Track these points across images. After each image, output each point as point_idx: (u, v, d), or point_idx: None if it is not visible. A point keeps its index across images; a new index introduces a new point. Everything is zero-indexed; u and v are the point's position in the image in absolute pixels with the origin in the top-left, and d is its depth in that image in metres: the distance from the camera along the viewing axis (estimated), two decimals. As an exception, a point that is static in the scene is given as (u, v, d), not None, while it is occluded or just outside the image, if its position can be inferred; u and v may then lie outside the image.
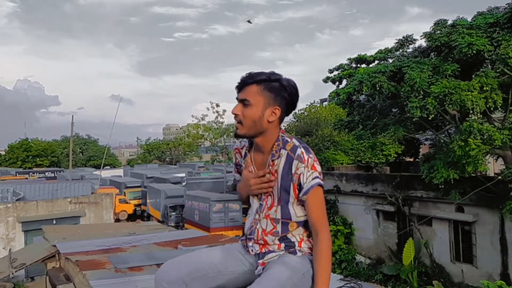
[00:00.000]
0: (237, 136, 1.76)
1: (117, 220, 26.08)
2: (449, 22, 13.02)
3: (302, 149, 1.69)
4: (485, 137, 10.35)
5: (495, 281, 9.18)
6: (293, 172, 1.68)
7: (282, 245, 1.77)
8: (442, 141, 13.95)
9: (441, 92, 10.73)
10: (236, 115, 1.70)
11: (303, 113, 25.30)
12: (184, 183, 31.04)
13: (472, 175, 11.42)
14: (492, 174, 13.98)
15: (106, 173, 42.25)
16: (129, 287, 3.52)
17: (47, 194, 19.19)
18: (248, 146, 1.86)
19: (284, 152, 1.72)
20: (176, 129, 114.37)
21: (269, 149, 1.75)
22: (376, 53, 18.43)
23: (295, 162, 1.68)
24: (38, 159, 54.69)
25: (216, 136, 36.41)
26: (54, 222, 16.00)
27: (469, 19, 12.73)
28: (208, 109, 34.65)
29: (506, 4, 11.87)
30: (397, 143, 16.82)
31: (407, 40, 15.54)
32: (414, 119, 12.60)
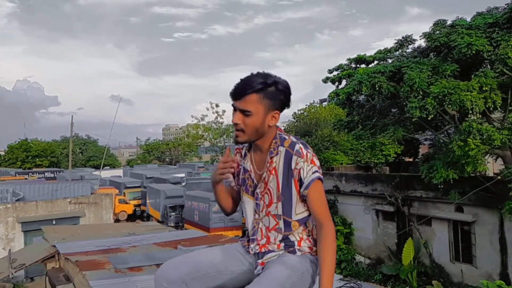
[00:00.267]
0: (238, 143, 1.78)
1: (117, 220, 26.07)
2: (449, 22, 13.04)
3: (301, 145, 1.71)
4: (484, 137, 10.36)
5: (495, 281, 9.19)
6: (293, 167, 1.70)
7: (282, 244, 1.77)
8: (441, 141, 13.96)
9: (441, 92, 10.74)
10: (236, 124, 1.70)
11: (303, 113, 25.31)
12: (183, 183, 31.04)
13: (472, 175, 11.43)
14: (491, 174, 14.00)
15: (106, 173, 42.24)
16: (128, 287, 3.53)
17: (47, 195, 19.19)
18: (247, 146, 1.87)
19: (282, 149, 1.73)
20: (176, 129, 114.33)
21: (267, 148, 1.77)
22: (375, 54, 18.44)
23: (294, 158, 1.69)
24: (37, 159, 54.69)
25: (215, 137, 36.42)
26: (54, 222, 15.99)
27: (469, 20, 12.75)
28: (207, 109, 34.72)
29: (505, 5, 11.89)
30: (396, 143, 16.84)
31: (406, 40, 15.56)
32: (413, 119, 12.62)
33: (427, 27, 14.01)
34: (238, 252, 1.88)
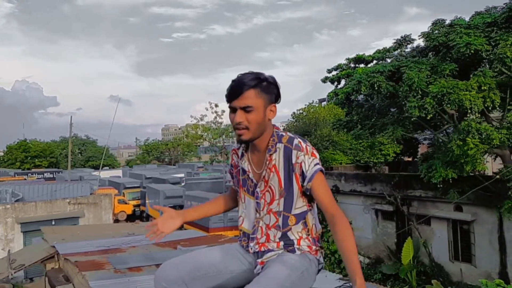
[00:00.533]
0: (242, 142, 1.76)
1: (116, 220, 26.06)
2: (447, 22, 13.06)
3: (299, 139, 1.73)
4: (483, 136, 10.37)
5: (494, 280, 9.19)
6: (293, 162, 1.70)
7: (281, 243, 1.77)
8: (440, 140, 13.98)
9: (439, 91, 10.75)
10: (239, 123, 1.69)
11: (302, 113, 25.32)
12: (183, 184, 31.03)
13: (471, 174, 11.45)
14: (490, 173, 14.02)
15: (105, 173, 42.21)
16: (128, 288, 3.53)
17: (46, 195, 19.17)
18: (244, 146, 1.87)
19: (280, 146, 1.74)
20: (175, 130, 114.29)
21: (265, 146, 1.77)
22: (374, 53, 18.48)
23: (294, 152, 1.70)
24: (36, 160, 54.59)
25: (215, 137, 36.40)
26: (53, 223, 15.99)
27: (467, 19, 12.77)
28: (207, 110, 34.67)
29: (504, 4, 11.91)
30: (395, 142, 16.82)
31: (405, 40, 15.58)
32: (412, 119, 12.63)
33: (425, 27, 14.07)
34: (237, 252, 1.89)
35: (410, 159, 21.73)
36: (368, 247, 15.89)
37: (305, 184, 1.71)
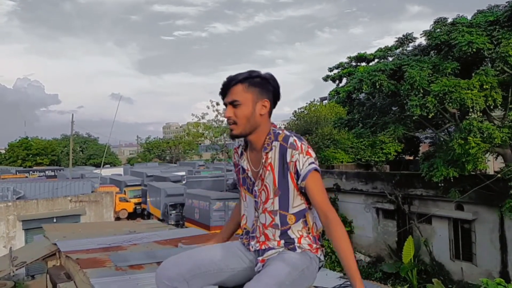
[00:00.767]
0: (233, 137, 1.79)
1: (117, 218, 26.10)
2: (449, 20, 13.01)
3: (295, 137, 1.72)
4: (484, 135, 10.35)
5: (495, 279, 9.18)
6: (288, 160, 1.70)
7: (282, 241, 1.77)
8: (442, 139, 13.96)
9: (441, 90, 10.73)
10: (229, 118, 1.73)
11: (303, 111, 25.29)
12: (184, 182, 31.05)
13: (472, 173, 11.43)
14: (491, 172, 14.01)
15: (106, 171, 42.26)
16: (129, 285, 3.54)
17: (48, 193, 19.22)
18: (244, 145, 1.88)
19: (276, 144, 1.74)
20: (176, 128, 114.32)
21: (262, 145, 1.77)
22: (376, 52, 18.43)
23: (289, 151, 1.69)
24: (38, 157, 54.68)
25: (216, 135, 36.37)
26: (55, 220, 16.03)
27: (469, 18, 12.73)
28: (208, 108, 34.59)
29: (506, 3, 11.87)
30: (397, 141, 16.84)
31: (407, 38, 15.54)
32: (414, 118, 12.61)
33: (427, 25, 14.00)
34: (238, 250, 1.89)
35: (411, 158, 21.71)
36: (369, 245, 15.89)
37: (299, 182, 1.71)
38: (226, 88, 1.73)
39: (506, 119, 12.01)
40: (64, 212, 17.15)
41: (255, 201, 1.82)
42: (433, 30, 12.81)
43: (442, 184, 12.00)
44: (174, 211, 25.49)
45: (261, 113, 1.73)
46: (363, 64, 19.46)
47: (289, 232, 1.77)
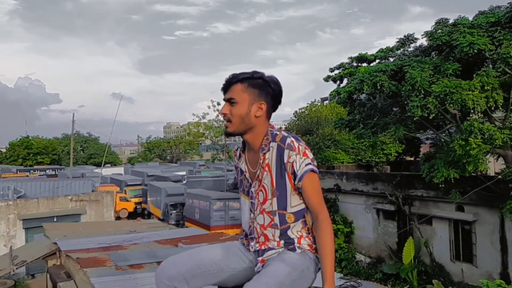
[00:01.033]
0: (227, 134, 1.81)
1: (118, 218, 26.12)
2: (451, 21, 13.00)
3: (292, 138, 1.73)
4: (485, 136, 10.33)
5: (495, 280, 9.17)
6: (285, 161, 1.71)
7: (282, 242, 1.78)
8: (442, 140, 13.94)
9: (442, 91, 10.71)
10: (224, 115, 1.75)
11: (304, 112, 25.29)
12: (184, 182, 31.06)
13: (473, 174, 11.41)
14: (492, 174, 13.97)
15: (107, 171, 42.31)
16: (129, 285, 3.54)
17: (48, 192, 19.23)
18: (242, 146, 1.90)
19: (274, 145, 1.74)
20: (177, 128, 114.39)
21: (259, 146, 1.78)
22: (377, 52, 18.41)
23: (286, 151, 1.70)
24: (39, 156, 54.73)
25: (216, 135, 36.38)
26: (55, 219, 16.05)
27: (471, 18, 12.71)
28: (209, 108, 34.73)
29: (508, 4, 11.85)
30: (397, 142, 16.78)
31: (408, 39, 15.52)
32: (414, 118, 12.57)
33: (429, 26, 13.98)
34: (238, 250, 1.89)
35: (412, 158, 21.67)
36: (369, 246, 15.88)
37: (296, 183, 1.72)
38: (228, 85, 1.75)
39: (507, 120, 12.00)
40: (64, 211, 17.16)
41: (251, 202, 1.82)
42: (434, 31, 12.79)
43: (443, 185, 11.98)
44: (174, 211, 25.49)
45: (256, 115, 1.74)
46: (364, 64, 19.44)
47: (289, 232, 1.78)
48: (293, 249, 1.76)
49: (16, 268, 6.79)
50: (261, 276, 1.65)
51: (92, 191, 20.08)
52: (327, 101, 29.57)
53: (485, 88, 10.69)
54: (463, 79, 11.37)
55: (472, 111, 11.15)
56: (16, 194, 18.27)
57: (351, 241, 16.24)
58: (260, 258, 1.79)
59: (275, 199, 1.75)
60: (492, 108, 11.61)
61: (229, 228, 18.84)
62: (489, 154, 12.14)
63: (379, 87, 12.57)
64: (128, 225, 8.65)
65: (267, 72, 1.80)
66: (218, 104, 34.20)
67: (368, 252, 15.81)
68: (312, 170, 1.70)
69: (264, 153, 1.75)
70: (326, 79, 21.64)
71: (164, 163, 60.29)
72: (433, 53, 13.54)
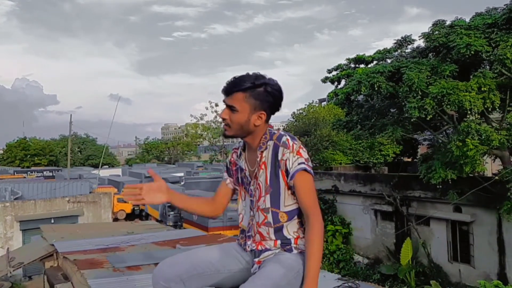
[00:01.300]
0: (225, 136, 1.84)
1: (116, 219, 26.06)
2: (448, 22, 13.04)
3: (287, 137, 1.75)
4: (482, 137, 10.37)
5: (492, 281, 9.21)
6: (279, 158, 1.72)
7: (278, 242, 1.78)
8: (440, 141, 13.98)
9: (439, 92, 10.75)
10: (224, 119, 1.77)
11: (302, 113, 25.32)
12: (182, 183, 31.03)
13: (470, 175, 11.44)
14: (489, 175, 14.02)
15: (105, 172, 42.18)
16: (127, 286, 3.53)
17: (45, 193, 19.17)
18: (242, 145, 1.91)
19: (271, 143, 1.77)
20: (175, 129, 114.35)
21: (257, 145, 1.81)
22: (374, 54, 18.47)
23: (280, 149, 1.72)
24: (36, 158, 54.60)
25: (214, 136, 36.43)
26: (52, 221, 15.99)
27: (468, 20, 12.76)
28: (207, 109, 34.86)
29: (504, 5, 11.90)
30: (395, 143, 16.88)
31: (405, 40, 15.57)
32: (412, 120, 12.61)
33: (426, 27, 14.04)
34: (235, 251, 1.90)
35: (409, 159, 21.74)
36: (367, 247, 15.89)
37: (288, 181, 1.72)
38: (229, 91, 1.74)
39: (504, 121, 12.04)
40: (62, 213, 17.10)
41: (251, 200, 1.84)
42: (431, 32, 12.84)
43: (440, 186, 12.01)
44: (172, 212, 25.44)
45: (256, 124, 1.75)
46: (362, 66, 19.49)
47: (285, 232, 1.78)
48: (290, 250, 1.77)
49: (13, 270, 6.76)
50: (257, 277, 1.66)
51: (90, 192, 20.03)
52: (325, 102, 29.63)
53: (482, 89, 10.73)
54: (460, 80, 11.40)
55: (469, 112, 11.19)
56: (13, 196, 18.21)
57: (349, 242, 16.25)
58: (256, 259, 1.80)
59: (268, 196, 1.76)
60: (489, 109, 11.65)
61: (227, 229, 18.80)
62: (486, 155, 12.19)
63: (376, 88, 12.60)
64: (125, 227, 8.63)
65: (266, 74, 1.79)
66: (216, 105, 34.31)
67: (366, 253, 15.83)
68: (305, 170, 1.70)
69: (262, 151, 1.78)
70: (324, 80, 21.70)
71: (162, 164, 60.20)
72: (430, 54, 13.58)
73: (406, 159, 21.77)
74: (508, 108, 11.93)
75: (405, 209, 14.39)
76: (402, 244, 13.53)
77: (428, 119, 11.72)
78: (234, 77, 1.75)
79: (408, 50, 15.34)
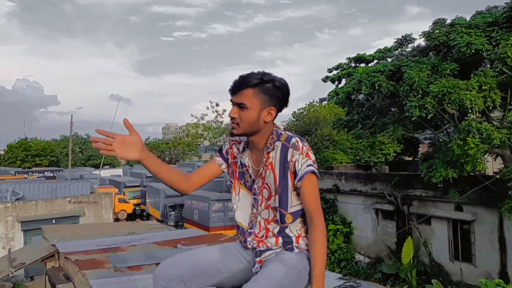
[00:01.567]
0: (233, 135, 1.82)
1: (117, 219, 26.08)
2: (448, 21, 13.02)
3: (297, 138, 1.75)
4: (483, 136, 10.36)
5: (494, 279, 9.19)
6: (288, 160, 1.72)
7: (280, 240, 1.79)
8: (441, 140, 13.97)
9: (440, 91, 10.74)
10: (233, 118, 1.74)
11: (302, 112, 25.33)
12: (183, 183, 30.98)
13: (471, 174, 11.43)
14: (490, 173, 14.01)
15: (106, 172, 42.21)
16: (128, 286, 3.54)
17: (47, 194, 19.19)
18: (246, 141, 1.88)
19: (278, 144, 1.76)
20: (176, 129, 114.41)
21: (264, 145, 1.79)
22: (375, 53, 18.43)
23: (290, 150, 1.72)
24: (37, 158, 54.64)
25: (215, 136, 36.40)
26: (54, 221, 16.01)
27: (468, 19, 12.74)
28: (207, 109, 34.78)
29: (505, 4, 11.88)
30: (396, 142, 16.82)
31: (406, 39, 15.54)
32: (413, 118, 12.61)
33: (426, 26, 14.02)
34: (236, 251, 1.90)
35: (410, 158, 21.71)
36: (368, 246, 15.89)
37: (295, 183, 1.73)
38: (237, 89, 1.72)
39: (505, 120, 12.02)
40: (63, 213, 17.12)
41: (254, 198, 1.83)
42: (432, 31, 12.82)
43: (441, 185, 12.00)
44: (173, 212, 25.48)
45: (266, 120, 1.74)
46: (362, 65, 19.45)
47: (287, 230, 1.79)
48: (291, 249, 1.77)
49: (15, 271, 6.77)
50: (259, 277, 1.66)
51: (91, 192, 20.04)
52: (325, 102, 29.62)
53: (483, 88, 10.71)
54: (460, 79, 11.39)
55: (470, 111, 11.17)
56: (15, 196, 18.22)
57: (350, 241, 16.25)
58: (258, 259, 1.80)
59: (277, 196, 1.77)
60: (490, 108, 11.64)
61: (228, 229, 18.82)
62: (487, 153, 12.17)
63: (377, 88, 12.59)
64: (127, 227, 8.64)
65: (279, 75, 1.78)
66: (217, 105, 34.26)
67: (367, 252, 15.83)
68: (313, 172, 1.71)
69: (269, 152, 1.77)
70: (325, 79, 21.66)
71: (163, 164, 60.05)
72: (430, 53, 13.57)
73: (407, 158, 21.74)
74: (509, 107, 11.90)
75: (406, 208, 14.38)
76: (403, 243, 13.52)
77: (428, 118, 11.70)
78: (241, 76, 1.73)
79: (409, 49, 15.32)
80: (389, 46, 16.90)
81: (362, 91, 13.34)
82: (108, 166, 56.37)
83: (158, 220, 24.01)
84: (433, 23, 13.19)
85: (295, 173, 1.72)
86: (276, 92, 1.73)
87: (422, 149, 20.17)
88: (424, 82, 11.35)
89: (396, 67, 12.84)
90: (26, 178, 35.87)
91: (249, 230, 1.85)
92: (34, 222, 15.64)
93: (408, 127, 14.02)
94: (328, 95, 20.34)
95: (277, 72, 1.79)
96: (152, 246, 5.47)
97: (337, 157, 20.35)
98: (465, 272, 12.75)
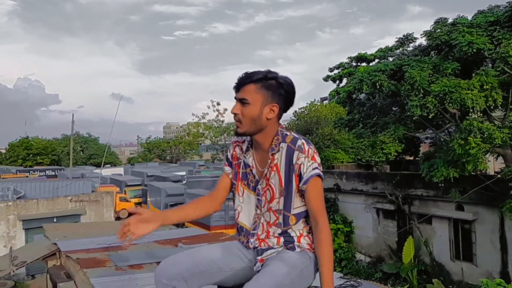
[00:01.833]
0: (237, 134, 1.80)
1: (118, 218, 26.11)
2: (450, 20, 12.99)
3: (303, 140, 1.74)
4: (485, 135, 10.34)
5: (495, 279, 9.18)
6: (294, 162, 1.72)
7: (281, 240, 1.79)
8: (442, 139, 13.95)
9: (441, 90, 10.72)
10: (235, 114, 1.73)
11: (303, 111, 25.28)
12: (184, 182, 31.04)
13: (472, 173, 11.41)
14: (492, 173, 13.99)
15: (107, 171, 42.28)
16: (129, 285, 3.54)
17: (48, 192, 19.24)
18: (249, 141, 1.87)
19: (284, 145, 1.75)
20: (177, 128, 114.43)
21: (269, 145, 1.78)
22: (376, 52, 18.43)
23: (296, 153, 1.71)
24: (38, 157, 54.74)
25: (216, 135, 36.44)
26: (55, 220, 16.04)
27: (470, 18, 12.71)
28: (208, 108, 34.79)
29: (507, 3, 11.85)
30: (397, 141, 16.79)
31: (407, 38, 15.52)
32: (414, 118, 12.59)
33: (428, 26, 13.98)
34: (237, 249, 1.90)
35: (411, 158, 21.67)
36: (369, 246, 15.88)
37: (300, 186, 1.72)
38: (240, 84, 1.73)
39: (506, 119, 12.00)
40: (64, 212, 17.15)
41: (258, 199, 1.82)
42: (433, 30, 12.79)
43: (443, 185, 11.98)
44: (174, 211, 25.47)
45: (268, 117, 1.72)
46: (364, 64, 19.45)
47: (290, 231, 1.79)
48: (293, 248, 1.77)
49: (16, 269, 6.79)
50: (260, 276, 1.66)
51: (92, 191, 20.09)
52: (326, 101, 29.58)
53: (484, 87, 10.69)
54: (462, 78, 11.37)
55: (471, 110, 11.15)
56: (16, 195, 18.27)
57: (351, 240, 16.25)
58: (259, 258, 1.80)
59: (282, 199, 1.76)
60: (492, 107, 11.62)
61: (229, 228, 18.82)
62: (489, 153, 12.15)
63: (378, 87, 12.58)
64: (128, 226, 8.64)
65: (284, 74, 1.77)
66: (218, 104, 34.30)
67: (368, 251, 15.82)
68: (319, 175, 1.70)
69: (274, 154, 1.76)
70: (326, 79, 21.67)
71: (164, 163, 60.24)
72: (432, 52, 13.54)
73: (408, 158, 21.71)
74: (511, 106, 11.87)
75: (407, 207, 14.37)
76: (404, 242, 13.51)
77: (430, 117, 11.68)
78: (245, 72, 1.75)
79: (410, 48, 15.30)
80: (390, 45, 16.90)
81: (363, 91, 13.32)
82: (109, 165, 56.43)
83: (159, 219, 23.97)
84: (435, 22, 13.16)
85: (300, 176, 1.71)
86: (279, 88, 1.72)
87: (423, 148, 20.15)
88: (425, 81, 11.33)
89: (397, 67, 12.82)
90: (27, 176, 35.92)
91: (252, 231, 1.85)
92: (36, 221, 15.68)
93: (409, 126, 14.00)
94: (329, 94, 20.34)
95: (278, 71, 1.78)
96: (153, 245, 5.48)
97: (338, 156, 20.32)
98: (466, 271, 12.74)
